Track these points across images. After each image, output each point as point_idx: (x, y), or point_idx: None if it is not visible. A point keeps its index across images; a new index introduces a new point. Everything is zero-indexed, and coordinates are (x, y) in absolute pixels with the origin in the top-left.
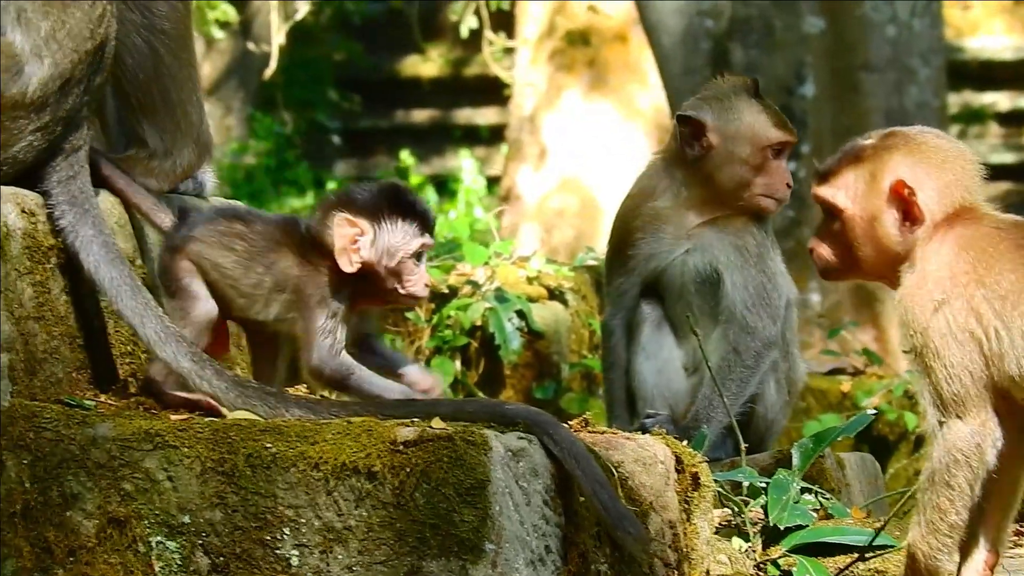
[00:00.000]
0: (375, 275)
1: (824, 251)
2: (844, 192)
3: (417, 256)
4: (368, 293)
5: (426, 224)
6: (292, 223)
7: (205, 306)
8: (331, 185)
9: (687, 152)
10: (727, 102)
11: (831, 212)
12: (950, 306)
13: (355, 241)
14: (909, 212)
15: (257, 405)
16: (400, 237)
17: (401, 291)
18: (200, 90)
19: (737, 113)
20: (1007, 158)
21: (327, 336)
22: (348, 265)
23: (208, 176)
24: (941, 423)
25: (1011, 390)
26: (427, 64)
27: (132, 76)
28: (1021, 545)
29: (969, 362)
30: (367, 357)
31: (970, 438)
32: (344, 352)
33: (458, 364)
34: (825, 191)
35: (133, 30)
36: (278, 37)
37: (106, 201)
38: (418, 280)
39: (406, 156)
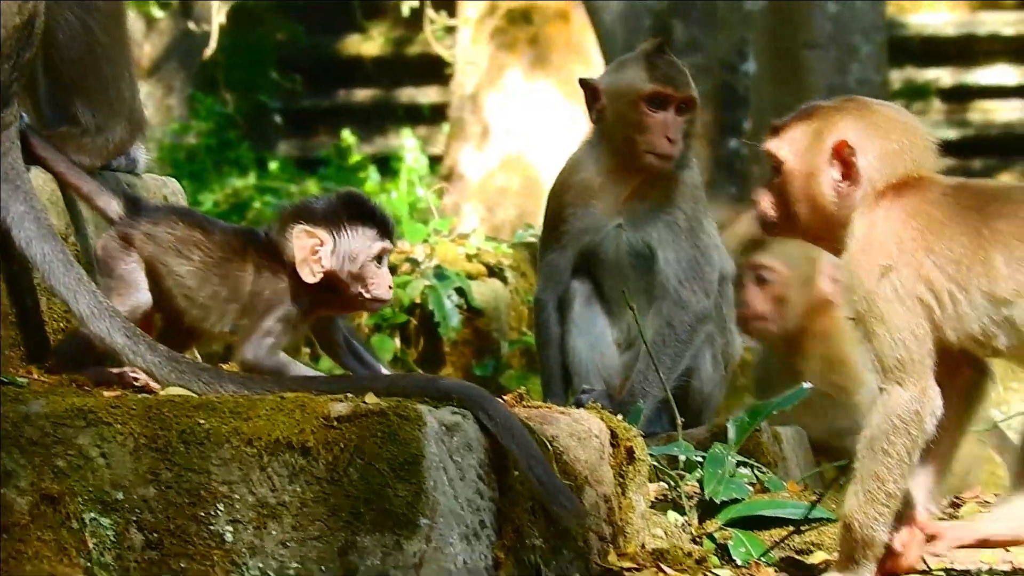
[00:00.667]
0: (338, 283)
1: (765, 203)
2: (789, 146)
3: (378, 259)
4: (330, 302)
5: (385, 228)
6: (251, 234)
7: (142, 297)
8: (273, 165)
9: (591, 118)
10: (622, 63)
11: (776, 166)
12: (897, 272)
13: (315, 252)
14: (848, 173)
15: (191, 380)
16: (360, 242)
17: (366, 295)
18: (133, 67)
19: (622, 71)
20: (950, 134)
21: (269, 336)
22: (310, 276)
23: (141, 153)
24: (882, 389)
25: (974, 350)
26: (368, 43)
27: (64, 52)
28: (954, 516)
29: (915, 327)
30: (347, 360)
31: (910, 404)
32: (281, 352)
33: (397, 341)
34: (772, 143)
35: (65, 6)
36: (219, 17)
37: (38, 178)
38: (381, 283)
39: (348, 135)
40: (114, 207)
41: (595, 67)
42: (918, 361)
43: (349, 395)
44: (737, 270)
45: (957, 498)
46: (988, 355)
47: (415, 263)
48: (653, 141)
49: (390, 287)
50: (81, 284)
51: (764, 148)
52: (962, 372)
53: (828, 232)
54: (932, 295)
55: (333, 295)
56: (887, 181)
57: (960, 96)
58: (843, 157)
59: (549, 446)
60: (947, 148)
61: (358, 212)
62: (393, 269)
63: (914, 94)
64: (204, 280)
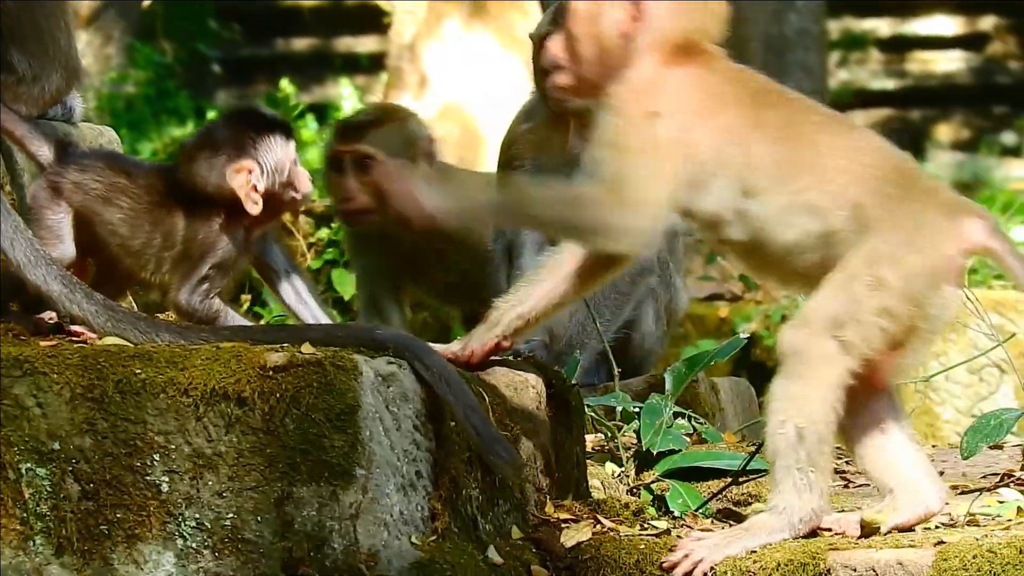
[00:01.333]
0: (273, 198)
1: (554, 47)
2: None
3: (294, 160)
4: (263, 218)
5: (287, 127)
6: (173, 173)
7: (67, 249)
8: (211, 114)
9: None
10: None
11: (566, 8)
12: (664, 122)
13: (249, 182)
14: (635, 12)
15: (127, 329)
16: (279, 152)
17: (297, 196)
18: (70, 16)
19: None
20: (888, 84)
21: (205, 281)
22: (254, 207)
23: (77, 102)
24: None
25: (703, 230)
26: None
27: None
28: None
29: (661, 171)
30: (286, 294)
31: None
32: (217, 297)
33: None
34: None
35: None
36: None
37: None
38: (304, 179)
39: (286, 85)
40: (45, 153)
41: (533, 17)
42: (652, 201)
43: (285, 345)
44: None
45: None
46: (713, 241)
47: None
48: (543, 82)
49: (309, 179)
50: (18, 232)
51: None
52: None
53: (607, 77)
54: (687, 159)
55: (267, 211)
56: (673, 34)
57: (898, 46)
58: None
59: (485, 396)
60: (885, 99)
61: (264, 124)
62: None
63: (852, 44)
64: (136, 227)
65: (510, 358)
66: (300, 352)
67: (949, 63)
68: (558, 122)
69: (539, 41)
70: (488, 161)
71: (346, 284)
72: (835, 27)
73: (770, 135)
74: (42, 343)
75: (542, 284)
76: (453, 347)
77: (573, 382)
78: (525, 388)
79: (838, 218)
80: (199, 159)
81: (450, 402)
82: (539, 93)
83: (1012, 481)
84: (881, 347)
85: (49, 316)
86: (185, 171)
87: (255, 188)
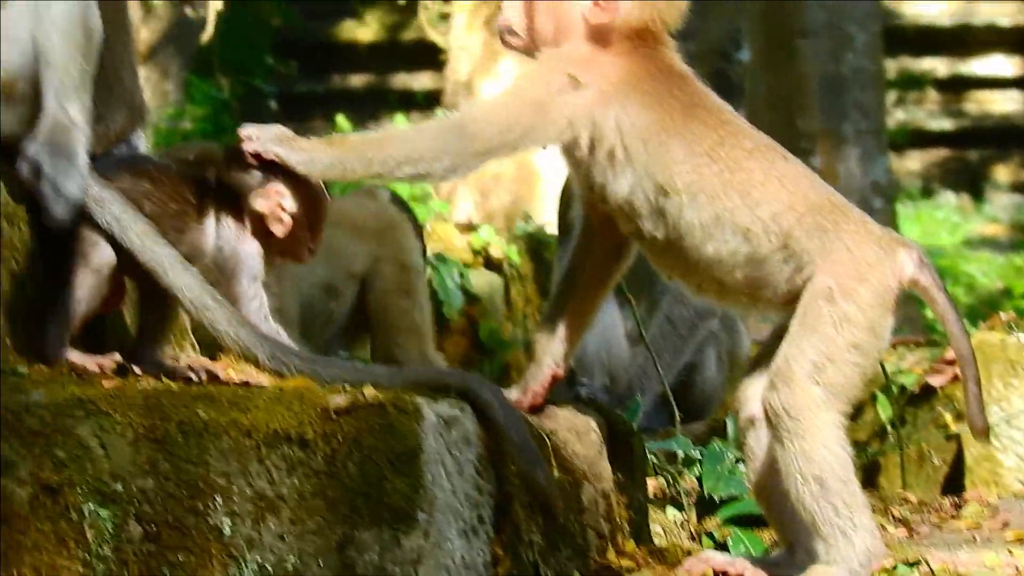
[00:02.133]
0: (295, 230)
1: (510, 12)
2: None
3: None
4: (283, 244)
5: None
6: (201, 180)
7: (105, 252)
8: None
9: None
10: None
11: None
12: (581, 90)
13: (280, 203)
14: (607, 4)
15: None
16: (316, 192)
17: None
18: (134, 55)
19: None
20: (945, 124)
21: (254, 299)
22: (280, 229)
23: (141, 140)
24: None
25: (620, 221)
26: (363, 29)
27: None
28: (956, 518)
29: (531, 124)
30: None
31: None
32: (270, 315)
33: None
34: None
35: None
36: (215, 2)
37: None
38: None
39: (342, 120)
40: None
41: None
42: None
43: (348, 387)
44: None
45: (958, 497)
46: (631, 234)
47: None
48: None
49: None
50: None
51: None
52: (612, 237)
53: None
54: (592, 138)
55: (288, 241)
56: (630, 22)
57: (956, 86)
58: None
59: (547, 440)
60: (942, 139)
61: None
62: None
63: (909, 84)
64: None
65: (572, 402)
66: (362, 394)
67: (1007, 103)
68: None
69: None
70: (544, 198)
71: None
72: (892, 66)
73: (696, 147)
74: (105, 383)
75: (566, 300)
76: (513, 395)
77: (634, 426)
78: (587, 432)
79: (768, 244)
80: (236, 169)
81: (513, 443)
82: None
83: None
84: (860, 384)
85: (114, 359)
86: (222, 177)
87: (283, 208)
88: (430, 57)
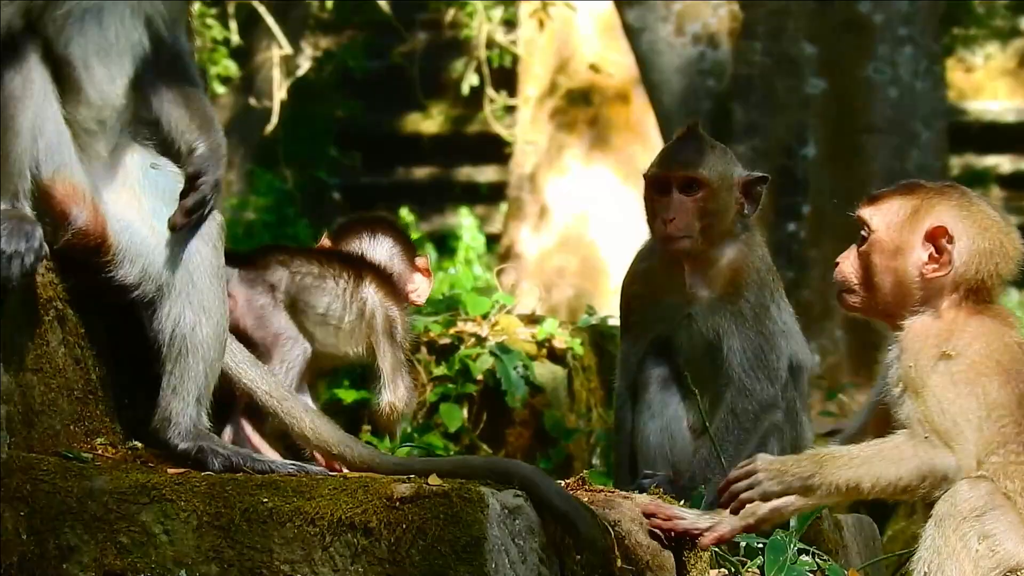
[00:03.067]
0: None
1: (847, 268)
2: (882, 216)
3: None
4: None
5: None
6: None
7: (306, 345)
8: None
9: None
10: None
11: (865, 234)
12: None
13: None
14: (940, 257)
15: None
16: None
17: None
18: None
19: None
20: (1011, 221)
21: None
22: (419, 299)
23: None
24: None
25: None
26: (428, 121)
27: None
28: None
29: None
30: None
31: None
32: None
33: (465, 412)
34: (865, 211)
35: None
36: (279, 93)
37: None
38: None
39: (406, 213)
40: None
41: (654, 149)
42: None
43: (412, 476)
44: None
45: None
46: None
47: (479, 339)
48: (654, 225)
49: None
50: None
51: (857, 214)
52: None
53: (900, 309)
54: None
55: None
56: (972, 278)
57: (1019, 183)
58: (938, 242)
59: (611, 530)
60: None
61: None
62: (455, 345)
63: (973, 181)
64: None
65: (636, 493)
66: (427, 483)
67: None
68: (674, 261)
69: (651, 180)
70: (608, 291)
71: (454, 418)
72: (957, 163)
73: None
74: (170, 471)
75: None
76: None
77: None
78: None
79: None
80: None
81: (573, 530)
82: (654, 235)
83: None
84: None
85: None
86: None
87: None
88: (494, 150)
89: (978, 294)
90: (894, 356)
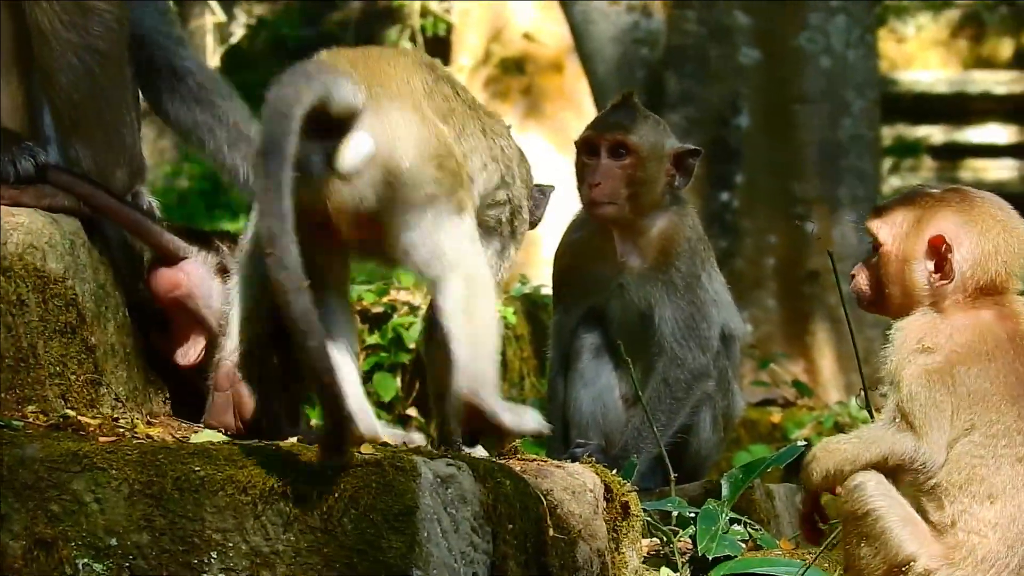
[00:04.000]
0: None
1: (861, 280)
2: (888, 229)
3: None
4: None
5: None
6: None
7: None
8: None
9: None
10: None
11: (875, 245)
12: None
13: None
14: (941, 267)
15: None
16: None
17: None
18: (134, 112)
19: None
20: None
21: None
22: None
23: (145, 199)
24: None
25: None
26: None
27: (66, 96)
28: None
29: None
30: None
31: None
32: None
33: (399, 382)
34: (872, 223)
35: (69, 49)
36: (213, 60)
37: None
38: None
39: None
40: (181, 244)
41: (587, 118)
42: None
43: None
44: (588, 144)
45: None
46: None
47: (413, 307)
48: (581, 190)
49: None
50: None
51: (866, 225)
52: None
53: (913, 311)
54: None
55: None
56: (978, 281)
57: (951, 154)
58: (939, 251)
59: (543, 499)
60: None
61: None
62: (393, 312)
63: (905, 151)
64: None
65: (569, 461)
66: (359, 452)
67: (1001, 171)
68: (605, 232)
69: (581, 143)
70: (540, 260)
71: (387, 387)
72: (888, 133)
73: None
74: (101, 439)
75: None
76: None
77: (630, 486)
78: (582, 491)
79: None
80: None
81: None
82: (581, 201)
83: None
84: None
85: None
86: None
87: None
88: None
89: (988, 290)
90: (886, 352)
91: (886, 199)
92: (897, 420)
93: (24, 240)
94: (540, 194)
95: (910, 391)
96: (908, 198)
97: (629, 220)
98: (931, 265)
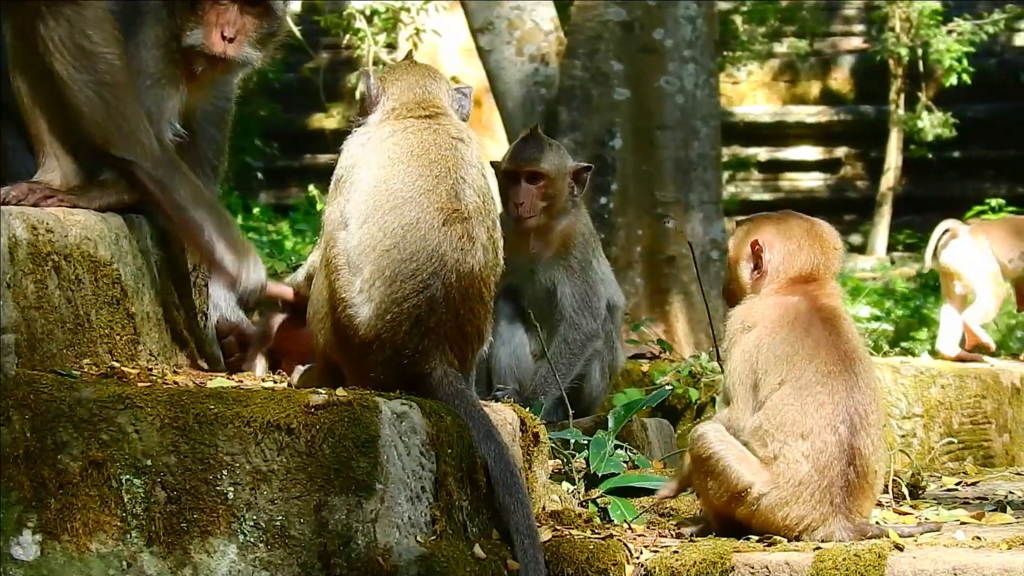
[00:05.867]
0: None
1: (724, 278)
2: (732, 241)
3: None
4: None
5: None
6: None
7: None
8: (256, 210)
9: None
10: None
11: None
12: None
13: None
14: (758, 265)
15: None
16: None
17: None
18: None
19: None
20: (765, 197)
21: None
22: None
23: None
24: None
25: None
26: (329, 119)
27: (91, 122)
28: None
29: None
30: None
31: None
32: None
33: None
34: (730, 238)
35: (85, 86)
36: None
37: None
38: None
39: (313, 189)
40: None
41: (500, 141)
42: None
43: (324, 388)
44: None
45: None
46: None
47: None
48: (508, 207)
49: None
50: None
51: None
52: None
53: (745, 295)
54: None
55: None
56: (788, 273)
57: (773, 168)
58: (754, 254)
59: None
60: (763, 207)
61: None
62: None
63: (738, 166)
64: None
65: (492, 402)
66: (336, 394)
67: (812, 182)
68: (523, 231)
69: (505, 173)
70: None
71: None
72: (727, 152)
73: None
74: (139, 384)
75: None
76: None
77: (539, 420)
78: (503, 424)
79: None
80: None
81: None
82: (509, 215)
83: None
84: None
85: None
86: None
87: None
88: None
89: (800, 280)
90: (725, 334)
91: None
92: (723, 394)
93: (80, 233)
94: (462, 95)
95: (732, 369)
96: (750, 219)
97: (542, 224)
98: (752, 265)
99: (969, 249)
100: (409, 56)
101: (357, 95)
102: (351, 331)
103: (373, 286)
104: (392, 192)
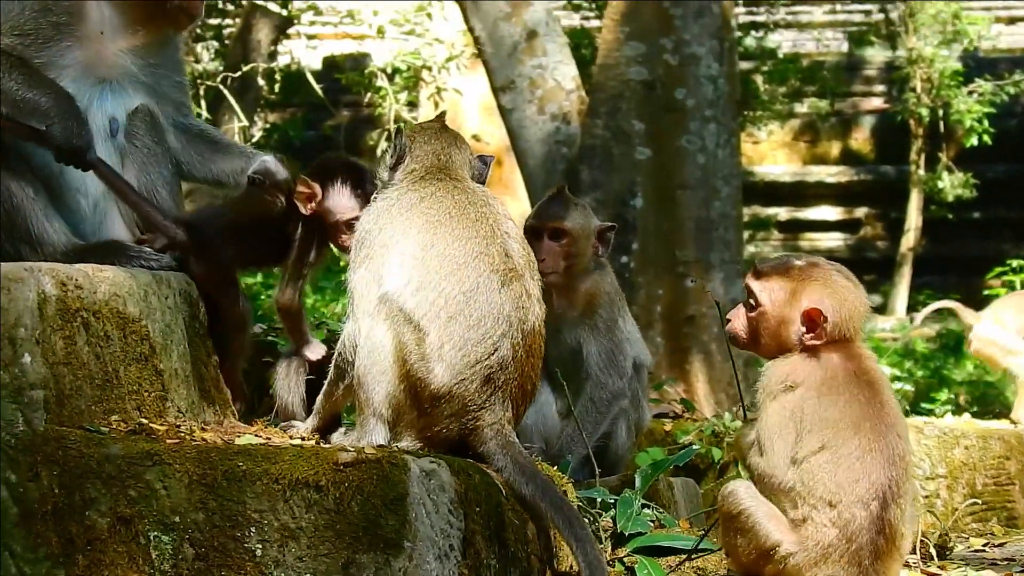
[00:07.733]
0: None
1: (737, 325)
2: (768, 294)
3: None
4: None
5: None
6: None
7: None
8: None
9: None
10: None
11: (754, 303)
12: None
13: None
14: (814, 330)
15: None
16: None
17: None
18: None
19: None
20: None
21: None
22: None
23: None
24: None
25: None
26: None
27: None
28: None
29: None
30: None
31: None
32: None
33: None
34: (755, 285)
35: None
36: None
37: None
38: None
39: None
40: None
41: (521, 200)
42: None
43: (352, 446)
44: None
45: None
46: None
47: None
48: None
49: None
50: None
51: (747, 285)
52: None
53: (773, 352)
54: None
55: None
56: (834, 336)
57: (794, 228)
58: (815, 320)
59: (501, 489)
60: None
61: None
62: None
63: (759, 226)
64: None
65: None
66: (365, 452)
67: (831, 241)
68: (546, 290)
69: (528, 229)
70: None
71: None
72: (747, 212)
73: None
74: (168, 441)
75: None
76: None
77: (566, 478)
78: None
79: None
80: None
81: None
82: None
83: None
84: None
85: None
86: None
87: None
88: None
89: (838, 339)
90: (758, 385)
91: (763, 263)
92: (756, 443)
93: (109, 290)
94: (483, 164)
95: (769, 423)
96: (782, 268)
97: (565, 282)
98: (804, 329)
99: (994, 333)
100: (441, 118)
101: (378, 153)
102: (422, 385)
103: (443, 348)
104: (444, 256)
